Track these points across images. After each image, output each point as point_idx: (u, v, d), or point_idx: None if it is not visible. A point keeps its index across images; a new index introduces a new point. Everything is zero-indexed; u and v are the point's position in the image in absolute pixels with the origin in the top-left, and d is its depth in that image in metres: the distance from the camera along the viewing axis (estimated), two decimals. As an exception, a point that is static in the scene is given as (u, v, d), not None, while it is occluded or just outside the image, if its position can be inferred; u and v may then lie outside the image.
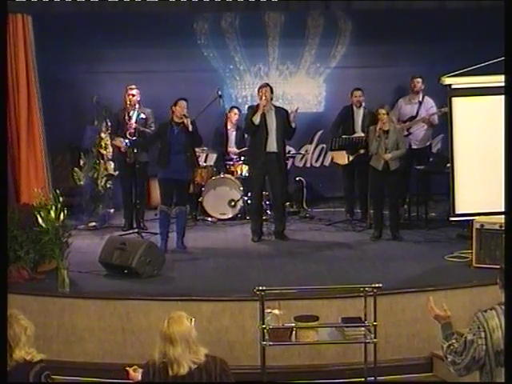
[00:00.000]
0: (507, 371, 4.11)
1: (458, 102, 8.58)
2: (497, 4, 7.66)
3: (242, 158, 10.57)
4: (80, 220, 10.00)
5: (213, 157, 10.85)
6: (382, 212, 9.35)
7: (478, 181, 8.55)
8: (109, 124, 10.07)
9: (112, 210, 10.37)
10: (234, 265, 8.54)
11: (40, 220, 7.50)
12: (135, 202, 9.93)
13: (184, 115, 8.78)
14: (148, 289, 7.71)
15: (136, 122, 9.75)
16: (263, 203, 9.88)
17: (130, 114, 9.79)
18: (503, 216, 5.89)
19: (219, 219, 10.41)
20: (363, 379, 6.58)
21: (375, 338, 6.22)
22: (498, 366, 4.18)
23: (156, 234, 9.25)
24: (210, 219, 10.42)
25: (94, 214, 10.16)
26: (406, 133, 10.14)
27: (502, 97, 7.05)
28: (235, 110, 10.94)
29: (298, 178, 11.11)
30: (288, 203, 10.35)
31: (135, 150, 9.61)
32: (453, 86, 8.53)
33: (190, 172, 9.25)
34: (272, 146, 9.22)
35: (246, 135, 10.29)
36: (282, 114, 9.26)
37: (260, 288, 6.17)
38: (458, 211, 8.64)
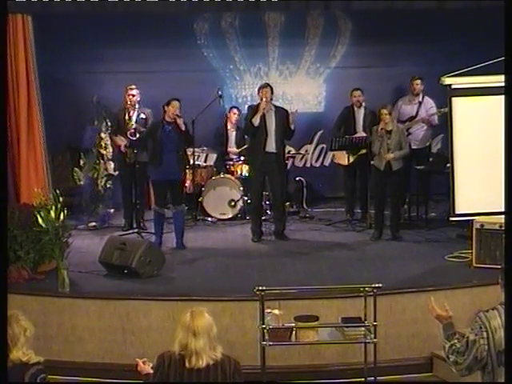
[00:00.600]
0: (507, 371, 4.11)
1: (458, 102, 8.58)
2: (497, 4, 7.66)
3: (242, 158, 10.57)
4: (80, 220, 10.00)
5: (213, 157, 10.86)
6: (382, 212, 9.34)
7: (477, 181, 8.54)
8: (109, 124, 10.06)
9: (112, 210, 10.36)
10: (234, 265, 8.54)
11: (40, 220, 7.50)
12: (135, 202, 9.93)
13: (177, 115, 8.80)
14: (148, 289, 7.71)
15: (136, 122, 9.76)
16: (263, 203, 9.88)
17: (130, 114, 9.80)
18: (503, 216, 5.88)
19: (219, 219, 10.41)
20: (363, 379, 6.58)
21: (375, 338, 6.23)
22: (499, 366, 4.18)
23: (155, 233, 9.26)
24: (210, 219, 10.42)
25: (94, 214, 10.16)
26: (405, 133, 10.13)
27: (502, 97, 7.04)
28: (235, 110, 10.95)
29: (298, 178, 11.11)
30: (288, 203, 10.35)
31: (135, 150, 9.61)
32: (453, 86, 8.53)
33: (182, 171, 9.26)
34: (271, 146, 9.23)
35: (245, 135, 10.28)
36: (281, 114, 9.26)
37: (260, 288, 6.18)
38: (457, 211, 8.64)
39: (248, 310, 7.10)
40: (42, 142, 8.95)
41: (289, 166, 10.58)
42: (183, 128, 8.82)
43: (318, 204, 11.20)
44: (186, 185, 10.53)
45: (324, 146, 11.54)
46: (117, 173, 10.13)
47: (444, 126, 9.16)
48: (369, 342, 6.30)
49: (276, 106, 9.41)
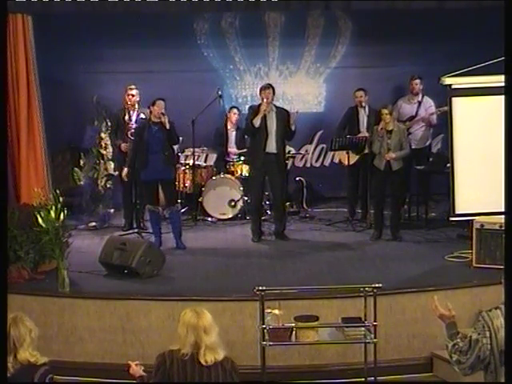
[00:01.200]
0: (507, 371, 4.11)
1: (457, 102, 8.58)
2: (497, 4, 7.66)
3: (242, 158, 10.57)
4: (80, 220, 10.00)
5: (213, 157, 10.86)
6: (382, 212, 9.34)
7: (477, 181, 8.54)
8: (109, 124, 10.06)
9: (112, 210, 10.36)
10: (234, 265, 8.54)
11: (40, 220, 7.49)
12: (135, 202, 9.93)
13: (162, 113, 8.82)
14: (148, 289, 7.71)
15: (136, 122, 9.75)
16: (263, 203, 9.88)
17: (130, 114, 9.80)
18: (503, 216, 5.87)
19: (219, 219, 10.41)
20: (363, 379, 6.57)
21: (375, 338, 6.22)
22: (502, 365, 4.18)
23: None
24: (210, 219, 10.42)
25: (94, 214, 10.16)
26: (406, 133, 10.13)
27: (502, 97, 7.03)
28: (235, 110, 10.94)
29: (298, 178, 11.11)
30: (288, 203, 10.34)
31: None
32: (453, 86, 8.53)
33: (172, 171, 9.27)
34: (272, 146, 9.22)
35: (245, 136, 10.28)
36: (282, 114, 9.26)
37: (260, 288, 6.17)
38: (457, 211, 8.64)
39: (248, 309, 7.10)
40: (42, 142, 8.94)
41: (289, 166, 10.57)
42: (168, 127, 8.84)
43: (318, 204, 11.20)
44: (186, 185, 10.55)
45: (324, 145, 11.54)
46: (117, 173, 10.12)
47: (444, 126, 9.17)
48: (369, 342, 6.29)
49: (277, 107, 9.41)
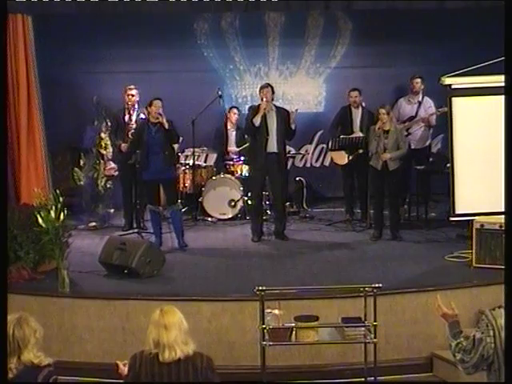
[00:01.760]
0: (507, 371, 4.11)
1: (457, 102, 8.58)
2: (497, 4, 7.66)
3: (242, 158, 10.57)
4: (80, 220, 10.00)
5: (213, 157, 10.86)
6: (381, 212, 9.35)
7: (477, 181, 8.54)
8: (109, 124, 10.07)
9: (112, 210, 10.36)
10: (234, 265, 8.54)
11: (40, 220, 7.49)
12: (135, 202, 9.93)
13: (159, 114, 8.81)
14: (148, 289, 7.71)
15: (136, 123, 9.75)
16: (263, 203, 9.88)
17: (130, 114, 9.79)
18: (503, 216, 5.88)
19: (219, 219, 10.41)
20: (363, 379, 6.57)
21: (375, 338, 6.22)
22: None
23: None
24: (210, 219, 10.42)
25: (94, 214, 10.16)
26: (405, 133, 10.13)
27: (502, 97, 7.05)
28: (235, 110, 10.95)
29: (298, 178, 11.11)
30: (288, 203, 10.34)
31: (137, 151, 9.60)
32: (453, 86, 8.54)
33: (173, 170, 9.27)
34: (272, 146, 9.23)
35: (245, 135, 10.29)
36: (282, 114, 9.26)
37: (260, 288, 6.17)
38: (457, 211, 8.64)
39: (248, 310, 7.09)
40: (42, 142, 8.95)
41: (289, 166, 10.57)
42: (167, 126, 8.83)
43: (317, 204, 11.21)
44: (186, 185, 10.56)
45: (324, 145, 11.54)
46: (117, 173, 10.13)
47: (444, 126, 9.16)
48: (369, 342, 6.29)
49: (277, 107, 9.41)
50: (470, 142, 8.58)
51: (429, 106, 10.37)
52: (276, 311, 6.23)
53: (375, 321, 6.23)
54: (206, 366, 4.38)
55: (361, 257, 8.69)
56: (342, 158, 10.17)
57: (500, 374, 4.22)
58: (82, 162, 10.18)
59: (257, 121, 9.14)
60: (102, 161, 10.13)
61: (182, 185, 10.50)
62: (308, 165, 11.76)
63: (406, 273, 8.02)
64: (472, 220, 8.17)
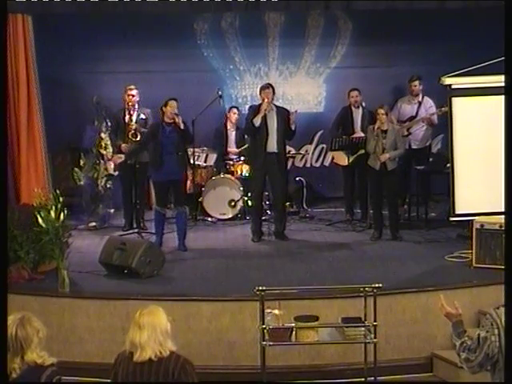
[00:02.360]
0: (507, 371, 4.11)
1: (457, 102, 8.59)
2: (497, 4, 7.66)
3: (242, 158, 10.57)
4: (80, 220, 10.00)
5: (213, 157, 10.86)
6: (381, 212, 9.35)
7: (477, 181, 8.55)
8: (109, 124, 10.06)
9: (112, 210, 10.36)
10: (234, 265, 8.55)
11: (40, 220, 7.49)
12: (135, 202, 9.93)
13: (175, 114, 8.79)
14: (148, 289, 7.71)
15: (136, 123, 9.75)
16: (263, 203, 9.88)
17: (131, 114, 9.78)
18: (503, 216, 5.88)
19: (219, 219, 10.41)
20: (363, 379, 6.57)
21: (375, 338, 6.23)
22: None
23: (155, 233, 9.25)
24: (210, 219, 10.42)
25: (94, 214, 10.16)
26: (406, 133, 10.14)
27: (502, 97, 7.05)
28: (234, 110, 10.95)
29: (298, 178, 11.11)
30: (288, 203, 10.34)
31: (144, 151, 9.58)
32: (453, 86, 8.54)
33: (183, 171, 9.26)
34: (272, 146, 9.23)
35: (245, 136, 10.29)
36: (282, 114, 9.26)
37: (260, 288, 6.17)
38: (458, 211, 8.65)
39: (248, 310, 7.09)
40: (42, 142, 8.95)
41: (289, 166, 10.57)
42: (182, 127, 8.82)
43: (318, 204, 11.21)
44: (186, 185, 10.54)
45: (324, 146, 11.54)
46: (117, 173, 10.13)
47: (444, 126, 9.16)
48: (369, 342, 6.29)
49: (277, 106, 9.41)
50: (470, 142, 8.58)
51: (429, 106, 10.36)
52: (276, 311, 6.23)
53: (375, 321, 6.23)
54: (180, 367, 4.30)
55: (361, 257, 8.69)
56: (344, 158, 10.16)
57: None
58: (82, 162, 10.18)
59: (257, 121, 9.14)
60: (101, 161, 10.13)
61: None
62: (308, 165, 11.76)
63: (406, 273, 8.02)
64: (472, 220, 8.17)
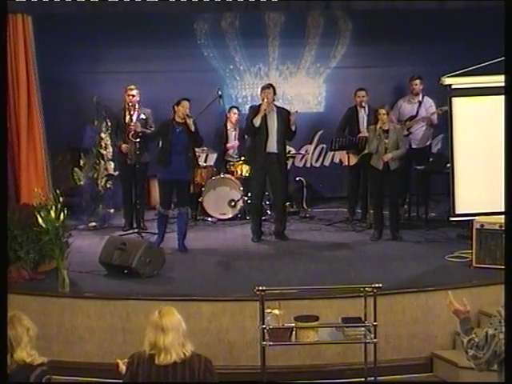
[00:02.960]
0: (507, 371, 4.11)
1: (457, 102, 8.59)
2: (497, 4, 7.66)
3: (242, 158, 10.57)
4: (80, 220, 10.00)
5: (213, 157, 10.87)
6: (382, 212, 9.35)
7: (477, 181, 8.55)
8: (109, 124, 10.06)
9: (112, 210, 10.36)
10: (234, 265, 8.55)
11: (40, 220, 7.49)
12: (135, 202, 9.92)
13: (187, 115, 8.78)
14: (148, 289, 7.71)
15: (136, 123, 9.73)
16: (263, 203, 9.88)
17: (131, 115, 9.77)
18: (503, 216, 5.88)
19: (219, 219, 10.41)
20: (363, 379, 6.57)
21: (375, 338, 6.23)
22: None
23: (156, 233, 9.25)
24: (210, 219, 10.42)
25: (94, 214, 10.16)
26: (406, 132, 10.14)
27: (502, 97, 7.06)
28: (234, 110, 10.94)
29: (298, 178, 11.10)
30: (288, 203, 10.33)
31: (137, 152, 9.58)
32: (453, 86, 8.54)
33: (190, 172, 9.26)
34: (272, 146, 9.22)
35: (245, 136, 10.29)
36: (283, 114, 9.26)
37: (260, 288, 6.17)
38: (458, 211, 8.65)
39: (248, 310, 7.09)
40: (42, 142, 8.94)
41: (289, 166, 10.57)
42: (193, 129, 8.80)
43: (318, 204, 11.21)
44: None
45: (324, 146, 11.54)
46: (117, 173, 10.13)
47: (444, 126, 9.17)
48: (369, 342, 6.29)
49: (277, 107, 9.41)
50: (470, 142, 8.59)
51: (429, 106, 10.37)
52: (276, 311, 6.23)
53: (375, 321, 6.23)
54: (204, 367, 4.33)
55: (361, 257, 8.69)
56: (351, 158, 10.12)
57: None
58: (82, 162, 10.18)
59: (257, 121, 9.14)
60: (102, 161, 10.13)
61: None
62: (308, 165, 11.75)
63: (406, 273, 8.02)
64: (472, 220, 8.17)
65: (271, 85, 9.41)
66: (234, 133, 10.91)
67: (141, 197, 9.96)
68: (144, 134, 9.59)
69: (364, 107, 10.21)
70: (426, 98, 10.39)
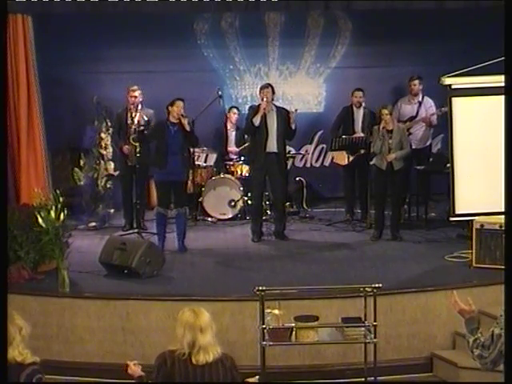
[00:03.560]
0: (507, 371, 4.10)
1: (457, 102, 8.58)
2: (497, 4, 7.66)
3: (242, 158, 10.57)
4: (80, 220, 10.00)
5: (213, 157, 10.86)
6: (383, 212, 9.35)
7: (477, 181, 8.54)
8: (109, 124, 10.06)
9: (112, 210, 10.36)
10: (234, 265, 8.55)
11: (40, 220, 7.50)
12: (135, 202, 9.92)
13: (182, 115, 8.78)
14: (148, 289, 7.71)
15: (138, 123, 9.71)
16: (263, 203, 9.88)
17: (133, 116, 9.75)
18: (503, 216, 5.88)
19: (219, 219, 10.41)
20: (363, 379, 6.58)
21: (375, 338, 6.23)
22: None
23: (155, 234, 9.24)
24: (210, 219, 10.42)
25: (94, 214, 10.16)
26: (406, 133, 10.13)
27: (502, 97, 7.05)
28: (234, 110, 10.95)
29: (297, 178, 11.11)
30: (288, 203, 10.34)
31: (138, 154, 9.56)
32: (453, 86, 8.53)
33: (186, 172, 9.25)
34: (272, 146, 9.23)
35: (245, 135, 10.29)
36: (282, 114, 9.26)
37: (260, 288, 6.18)
38: (458, 211, 8.64)
39: (248, 309, 7.10)
40: (42, 142, 8.94)
41: (289, 166, 10.56)
42: (188, 128, 8.80)
43: (318, 204, 11.21)
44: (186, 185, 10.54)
45: (324, 146, 11.54)
46: (117, 173, 10.13)
47: (444, 126, 9.16)
48: (369, 342, 6.30)
49: (277, 106, 9.42)
50: (470, 142, 8.58)
51: (429, 106, 10.37)
52: (276, 311, 6.23)
53: (375, 321, 6.23)
54: (231, 365, 4.49)
55: (361, 257, 8.70)
56: (343, 158, 10.17)
57: None
58: (82, 162, 10.18)
59: (256, 121, 9.14)
60: (102, 161, 10.12)
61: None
62: (308, 165, 11.76)
63: (406, 273, 8.02)
64: (472, 220, 8.17)
65: (270, 84, 9.42)
66: (233, 133, 10.92)
67: (141, 197, 9.95)
68: (142, 137, 9.57)
69: (360, 107, 10.22)
70: (426, 98, 10.39)
